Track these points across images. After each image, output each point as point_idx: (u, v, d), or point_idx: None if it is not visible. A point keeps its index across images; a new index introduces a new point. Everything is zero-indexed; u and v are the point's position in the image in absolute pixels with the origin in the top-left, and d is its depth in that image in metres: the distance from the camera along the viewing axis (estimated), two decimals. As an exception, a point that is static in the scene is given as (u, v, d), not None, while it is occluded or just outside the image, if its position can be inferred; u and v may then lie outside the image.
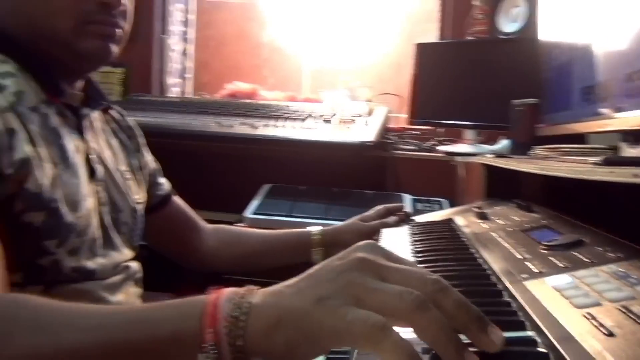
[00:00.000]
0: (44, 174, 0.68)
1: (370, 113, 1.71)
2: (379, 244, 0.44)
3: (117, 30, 0.78)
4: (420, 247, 0.80)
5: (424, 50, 1.69)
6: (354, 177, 1.61)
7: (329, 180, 1.58)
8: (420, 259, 0.72)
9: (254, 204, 1.44)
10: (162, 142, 1.57)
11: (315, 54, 2.80)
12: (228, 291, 0.42)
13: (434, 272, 0.65)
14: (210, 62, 2.50)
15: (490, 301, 0.52)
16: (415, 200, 1.46)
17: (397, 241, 0.88)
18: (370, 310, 0.37)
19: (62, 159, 0.73)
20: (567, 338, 0.39)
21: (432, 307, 0.37)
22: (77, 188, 0.73)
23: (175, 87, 2.28)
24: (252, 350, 0.39)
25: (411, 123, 1.74)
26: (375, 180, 1.63)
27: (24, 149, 0.66)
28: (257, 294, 0.41)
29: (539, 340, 0.42)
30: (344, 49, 2.67)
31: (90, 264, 0.74)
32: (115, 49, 0.78)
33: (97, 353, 0.43)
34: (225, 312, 0.40)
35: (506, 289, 0.54)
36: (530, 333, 0.43)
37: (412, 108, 1.70)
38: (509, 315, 0.48)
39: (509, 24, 1.71)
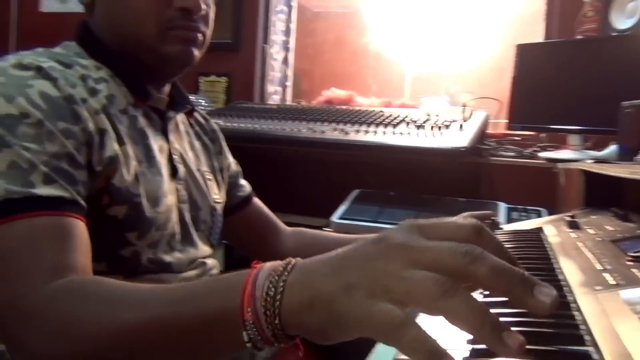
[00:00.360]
0: (129, 170, 0.73)
1: (467, 118, 1.65)
2: (418, 220, 0.40)
3: (199, 35, 0.81)
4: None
5: (525, 52, 1.61)
6: (446, 183, 1.55)
7: (420, 186, 1.54)
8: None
9: (341, 209, 1.44)
10: (255, 147, 1.63)
11: (417, 60, 2.76)
12: (267, 267, 0.42)
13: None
14: (311, 69, 2.55)
15: (554, 313, 0.47)
16: (511, 209, 1.39)
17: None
18: (397, 301, 0.36)
19: (147, 157, 0.77)
20: (624, 355, 0.34)
21: (460, 290, 0.34)
22: (159, 185, 0.77)
23: (275, 94, 2.35)
24: (289, 327, 0.40)
25: (510, 128, 1.65)
26: (469, 187, 1.57)
27: (113, 147, 0.71)
28: (294, 271, 0.41)
29: (595, 356, 0.37)
30: (446, 54, 2.60)
31: (168, 257, 0.78)
32: (197, 52, 0.82)
33: (149, 329, 0.46)
34: (263, 291, 0.41)
35: (575, 301, 0.49)
36: (588, 348, 0.39)
37: (511, 112, 1.61)
38: (570, 328, 0.43)
39: (623, 21, 1.57)
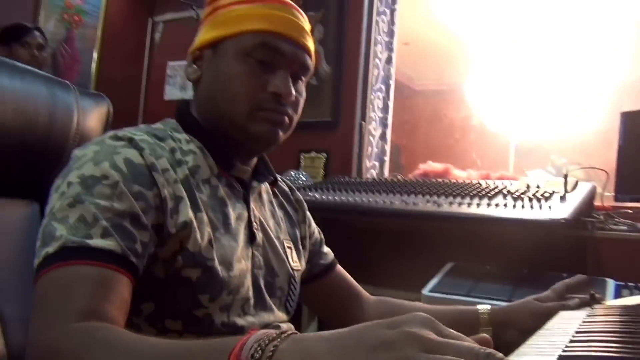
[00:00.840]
0: (203, 236, 0.77)
1: (570, 190, 1.57)
2: (434, 320, 0.39)
3: (285, 118, 0.86)
4: (585, 328, 0.69)
5: (630, 119, 1.52)
6: (548, 257, 1.46)
7: (519, 260, 1.46)
8: (577, 337, 0.63)
9: (433, 281, 1.40)
10: (348, 219, 1.66)
11: (520, 132, 2.70)
12: (260, 332, 0.42)
13: (588, 349, 0.56)
14: (409, 144, 2.57)
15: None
16: (620, 287, 1.27)
17: (566, 321, 0.77)
18: None
19: (224, 224, 0.81)
20: None
21: None
22: (233, 250, 0.80)
23: (373, 169, 2.38)
24: None
25: (616, 199, 1.54)
26: (574, 262, 1.46)
27: (187, 213, 0.76)
28: (288, 340, 0.40)
29: None
30: (551, 125, 2.52)
31: (240, 321, 0.79)
32: (281, 134, 0.86)
33: None
34: (249, 353, 0.40)
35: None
36: None
37: (617, 183, 1.51)
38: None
39: None
